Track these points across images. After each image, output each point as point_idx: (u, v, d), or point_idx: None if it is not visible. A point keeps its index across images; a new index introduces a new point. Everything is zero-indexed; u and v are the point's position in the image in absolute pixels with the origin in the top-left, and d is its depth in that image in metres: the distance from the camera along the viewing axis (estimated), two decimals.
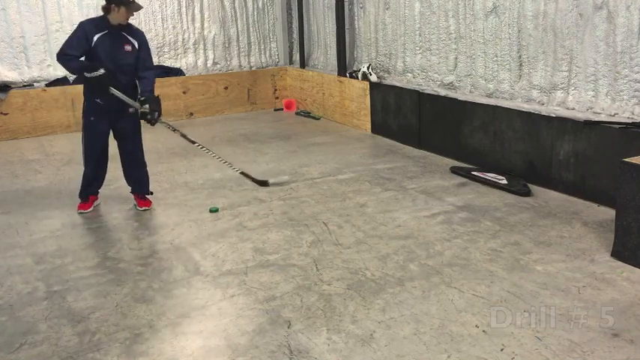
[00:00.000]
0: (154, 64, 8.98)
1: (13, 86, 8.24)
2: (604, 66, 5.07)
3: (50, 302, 3.66)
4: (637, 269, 3.81)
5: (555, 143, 5.34)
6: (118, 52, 4.84)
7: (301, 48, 9.79)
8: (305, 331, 3.24)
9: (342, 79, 8.48)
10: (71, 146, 7.23)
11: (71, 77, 8.10)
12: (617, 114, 5.00)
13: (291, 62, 10.35)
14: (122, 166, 5.26)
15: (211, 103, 9.51)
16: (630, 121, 4.82)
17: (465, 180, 5.81)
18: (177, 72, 9.33)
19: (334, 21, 8.58)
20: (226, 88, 9.61)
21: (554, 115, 5.35)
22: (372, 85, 7.83)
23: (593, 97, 5.21)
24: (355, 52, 8.56)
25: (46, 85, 8.40)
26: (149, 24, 9.15)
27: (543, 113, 5.46)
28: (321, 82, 9.07)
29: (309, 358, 2.99)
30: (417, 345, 3.07)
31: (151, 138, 7.78)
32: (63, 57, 4.75)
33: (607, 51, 5.01)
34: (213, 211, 5.14)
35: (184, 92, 9.26)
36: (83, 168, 5.18)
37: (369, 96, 7.89)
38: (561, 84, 5.47)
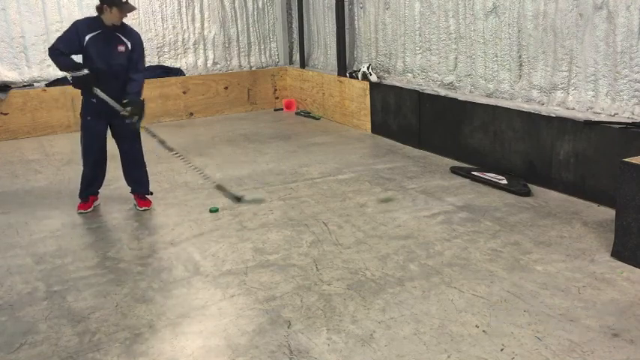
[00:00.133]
0: (155, 64, 9.17)
1: (13, 86, 8.25)
2: (604, 66, 5.07)
3: (50, 302, 3.66)
4: (637, 269, 3.81)
5: (555, 143, 5.34)
6: (110, 53, 4.82)
7: (301, 48, 9.80)
8: (305, 331, 3.24)
9: (342, 79, 8.48)
10: (71, 146, 7.23)
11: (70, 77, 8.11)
12: (617, 114, 5.01)
13: (291, 62, 10.35)
14: (122, 166, 5.26)
15: (211, 103, 9.51)
16: (630, 121, 4.82)
17: (465, 180, 5.81)
18: (177, 72, 9.33)
19: (334, 21, 8.58)
20: (226, 88, 9.61)
21: (554, 115, 5.35)
22: (372, 85, 7.83)
23: (593, 97, 5.21)
24: (355, 52, 8.56)
25: (46, 85, 8.41)
26: (149, 24, 9.16)
27: (543, 113, 5.46)
28: (321, 82, 9.07)
29: (309, 358, 2.99)
30: (417, 345, 3.07)
31: (151, 138, 7.79)
32: (53, 52, 4.77)
33: (607, 51, 5.02)
34: (213, 211, 5.14)
35: (184, 92, 9.26)
36: (82, 168, 5.18)
37: (369, 96, 7.89)
38: (561, 84, 5.47)
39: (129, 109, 4.79)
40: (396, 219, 4.83)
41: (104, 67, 4.81)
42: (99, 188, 5.32)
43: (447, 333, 3.17)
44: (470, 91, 6.55)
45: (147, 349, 3.13)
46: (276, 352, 3.05)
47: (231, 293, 3.69)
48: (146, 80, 8.71)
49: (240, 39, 9.94)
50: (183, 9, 9.39)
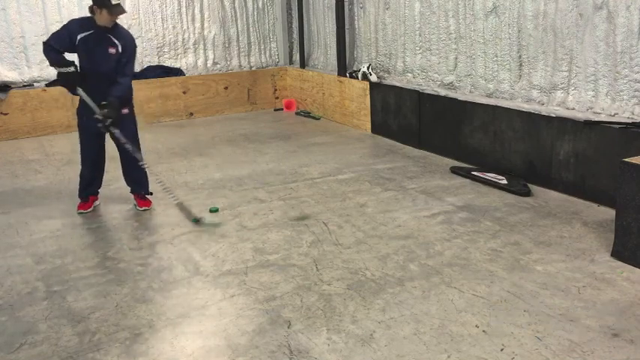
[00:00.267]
0: (155, 64, 9.17)
1: (13, 86, 8.25)
2: (604, 66, 5.07)
3: (50, 302, 3.66)
4: (637, 269, 3.81)
5: (555, 143, 5.34)
6: (100, 54, 4.79)
7: (301, 48, 9.80)
8: (305, 331, 3.24)
9: (342, 79, 8.48)
10: (71, 146, 7.22)
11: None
12: (617, 114, 5.01)
13: (291, 62, 10.35)
14: (121, 167, 5.26)
15: (211, 103, 9.51)
16: (630, 121, 4.82)
17: (465, 180, 5.81)
18: (177, 72, 9.33)
19: (334, 21, 8.58)
20: (226, 88, 9.61)
21: (554, 115, 5.35)
22: (372, 85, 7.83)
23: (593, 97, 5.21)
24: (355, 52, 8.56)
25: (46, 85, 8.40)
26: (149, 24, 9.16)
27: (543, 113, 5.46)
28: (321, 82, 9.07)
29: (309, 358, 2.99)
30: (417, 345, 3.07)
31: (151, 138, 7.80)
32: (46, 47, 4.76)
33: (607, 51, 5.01)
34: (214, 211, 5.14)
35: (184, 92, 9.26)
36: (80, 167, 5.19)
37: (369, 96, 7.89)
38: (561, 84, 5.47)
39: (105, 111, 4.69)
40: (396, 219, 4.83)
41: (93, 67, 4.80)
42: (98, 188, 5.32)
43: (447, 333, 3.17)
44: (470, 91, 6.55)
45: (147, 349, 3.13)
46: (276, 352, 3.05)
47: (231, 293, 3.69)
48: (146, 80, 8.87)
49: (240, 39, 9.94)
50: (183, 9, 9.39)
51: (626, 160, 3.92)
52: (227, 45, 9.84)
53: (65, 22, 4.98)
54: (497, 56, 6.13)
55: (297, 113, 9.53)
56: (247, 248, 4.36)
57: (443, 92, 6.75)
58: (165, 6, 9.25)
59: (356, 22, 8.41)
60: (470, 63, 6.50)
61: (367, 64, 7.98)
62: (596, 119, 5.03)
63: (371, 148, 7.29)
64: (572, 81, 5.38)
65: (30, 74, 8.48)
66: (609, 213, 4.56)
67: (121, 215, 5.17)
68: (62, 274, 4.05)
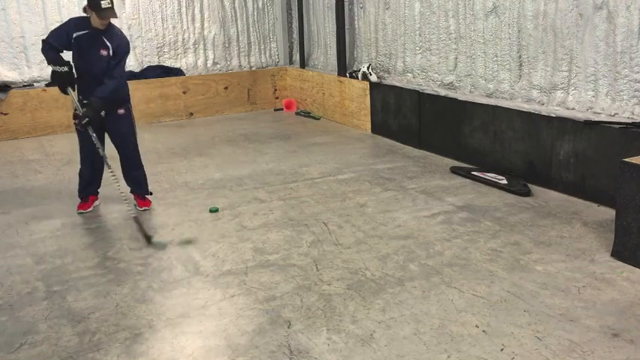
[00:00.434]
0: (155, 64, 9.16)
1: (13, 86, 8.25)
2: (604, 66, 5.07)
3: (50, 302, 3.66)
4: (637, 269, 3.81)
5: (555, 143, 5.34)
6: (92, 55, 4.79)
7: (301, 48, 9.80)
8: (305, 331, 3.24)
9: (342, 79, 8.48)
10: (71, 146, 7.21)
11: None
12: (617, 114, 5.01)
13: (291, 62, 10.35)
14: (121, 167, 5.26)
15: (211, 103, 9.51)
16: (630, 121, 4.82)
17: (465, 180, 5.81)
18: (177, 72, 9.33)
19: (334, 21, 8.58)
20: (226, 88, 9.61)
21: (554, 115, 5.35)
22: (372, 85, 7.83)
23: (593, 97, 5.21)
24: (355, 52, 8.56)
25: (46, 85, 8.41)
26: (149, 24, 9.16)
27: (543, 113, 5.46)
28: (321, 82, 9.07)
29: (309, 358, 2.99)
30: (417, 345, 3.07)
31: (151, 138, 7.80)
32: (45, 44, 4.78)
33: (607, 51, 5.01)
34: (213, 211, 5.14)
35: (184, 92, 9.26)
36: (80, 167, 5.19)
37: (369, 96, 7.89)
38: (561, 84, 5.47)
39: (84, 110, 4.73)
40: (396, 219, 4.83)
41: (85, 67, 4.81)
42: (98, 188, 5.32)
43: (447, 333, 3.17)
44: (470, 91, 6.55)
45: (147, 349, 3.13)
46: (276, 352, 3.05)
47: (231, 293, 3.69)
48: (146, 80, 8.87)
49: (240, 39, 9.94)
50: (183, 9, 9.39)
51: (626, 160, 3.92)
52: (227, 45, 9.84)
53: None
54: (497, 56, 6.13)
55: (297, 113, 9.53)
56: (247, 248, 4.36)
57: (443, 92, 6.75)
58: (165, 6, 9.25)
59: (356, 22, 8.41)
60: (470, 63, 6.50)
61: (367, 64, 7.98)
62: (596, 119, 5.03)
63: (371, 148, 7.29)
64: (572, 81, 5.38)
65: (30, 74, 8.48)
66: (609, 213, 4.56)
67: (121, 215, 5.17)
68: (62, 274, 4.05)
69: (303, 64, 9.82)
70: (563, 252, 4.11)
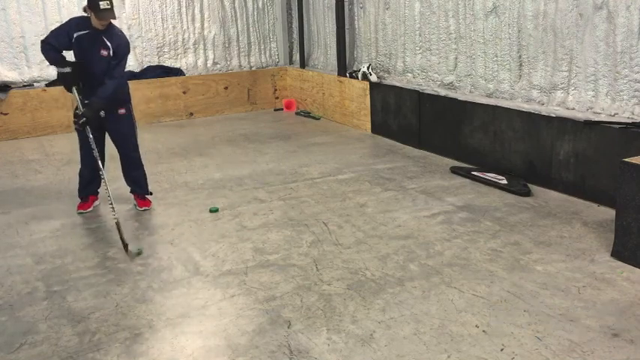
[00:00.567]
0: (155, 64, 9.16)
1: (13, 86, 8.25)
2: (604, 66, 5.07)
3: (50, 302, 3.66)
4: (637, 269, 3.81)
5: (555, 143, 5.34)
6: (92, 55, 4.79)
7: (301, 48, 9.80)
8: (305, 331, 3.24)
9: (342, 79, 8.48)
10: (71, 146, 7.21)
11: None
12: (617, 114, 5.01)
13: (291, 62, 10.35)
14: (121, 167, 5.26)
15: (211, 103, 9.51)
16: (630, 121, 4.82)
17: (465, 180, 5.81)
18: (177, 72, 9.33)
19: (334, 21, 8.58)
20: (226, 88, 9.61)
21: (554, 115, 5.35)
22: (372, 85, 7.83)
23: (593, 97, 5.21)
24: (355, 52, 8.56)
25: (46, 85, 8.41)
26: (149, 24, 9.16)
27: (543, 113, 5.46)
28: (321, 82, 9.07)
29: (309, 358, 2.99)
30: (417, 345, 3.07)
31: (151, 138, 7.81)
32: (44, 45, 4.77)
33: (607, 51, 5.01)
34: (213, 211, 5.14)
35: (184, 92, 9.26)
36: (79, 166, 5.19)
37: (369, 96, 7.89)
38: (561, 84, 5.47)
39: (83, 110, 4.74)
40: (396, 219, 4.83)
41: (86, 67, 4.80)
42: (98, 188, 5.32)
43: (447, 333, 3.17)
44: (470, 91, 6.55)
45: (147, 349, 3.13)
46: (276, 352, 3.05)
47: (231, 293, 3.69)
48: (146, 80, 8.87)
49: (240, 39, 9.94)
50: (183, 9, 9.39)
51: (626, 160, 3.93)
52: (227, 45, 9.84)
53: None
54: (497, 56, 6.13)
55: (297, 113, 9.53)
56: (247, 248, 4.36)
57: (443, 92, 6.75)
58: (165, 6, 9.25)
59: (356, 22, 8.41)
60: (470, 63, 6.50)
61: (367, 64, 7.98)
62: (596, 119, 5.03)
63: (371, 148, 7.29)
64: (572, 81, 5.38)
65: (30, 74, 8.48)
66: (609, 213, 4.56)
67: (121, 215, 5.15)
68: (62, 274, 4.05)
69: (303, 64, 9.82)
70: (563, 252, 4.11)
